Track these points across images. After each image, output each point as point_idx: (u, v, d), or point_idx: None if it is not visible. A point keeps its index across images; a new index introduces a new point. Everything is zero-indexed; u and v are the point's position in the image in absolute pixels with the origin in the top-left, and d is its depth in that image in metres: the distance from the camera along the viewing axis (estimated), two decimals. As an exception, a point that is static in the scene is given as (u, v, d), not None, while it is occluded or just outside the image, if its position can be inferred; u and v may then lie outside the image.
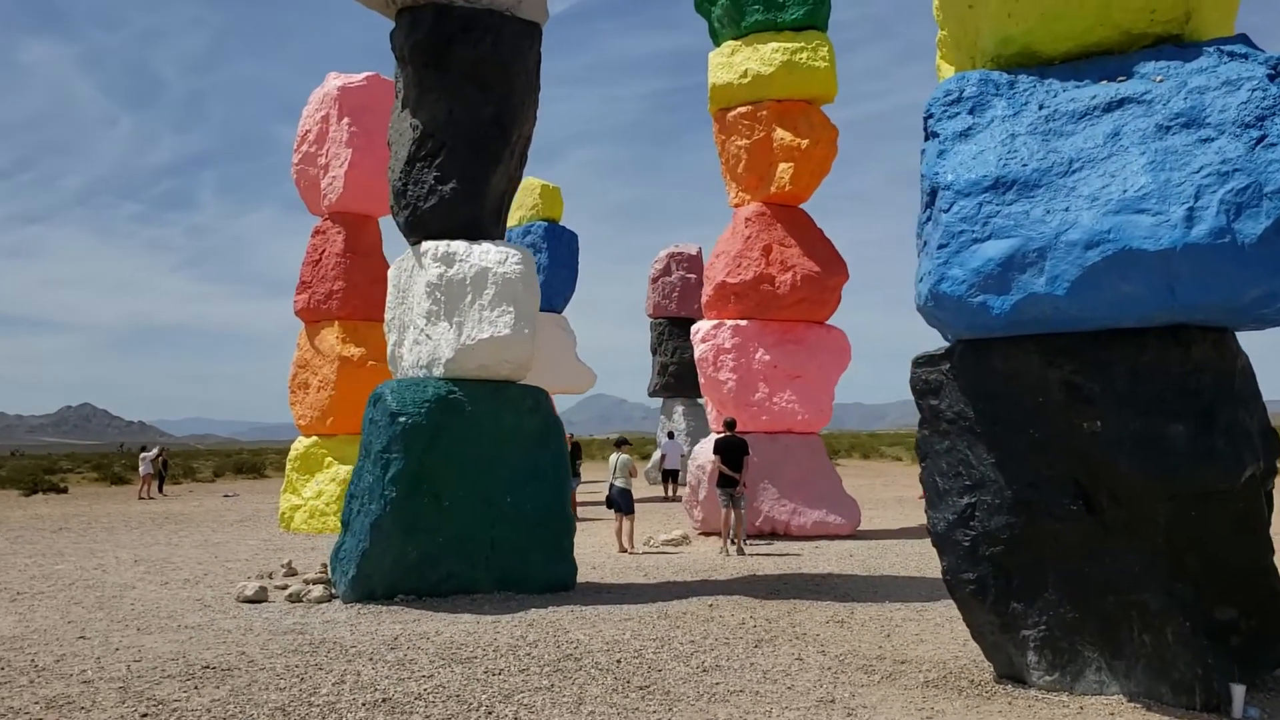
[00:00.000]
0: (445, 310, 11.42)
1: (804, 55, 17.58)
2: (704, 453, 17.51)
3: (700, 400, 35.55)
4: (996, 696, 7.07)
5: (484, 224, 11.90)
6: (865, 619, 10.07)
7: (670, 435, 33.25)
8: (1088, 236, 6.29)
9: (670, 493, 29.68)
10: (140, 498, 32.25)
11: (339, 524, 20.37)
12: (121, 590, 12.42)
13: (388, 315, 12.57)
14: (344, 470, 21.04)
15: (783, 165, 17.78)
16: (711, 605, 10.82)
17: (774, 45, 17.71)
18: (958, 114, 7.19)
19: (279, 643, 9.14)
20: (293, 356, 22.64)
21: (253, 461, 51.32)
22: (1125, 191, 6.29)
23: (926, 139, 7.38)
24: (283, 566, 13.70)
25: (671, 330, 35.03)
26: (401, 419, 10.89)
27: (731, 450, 15.41)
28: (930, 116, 7.34)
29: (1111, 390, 6.67)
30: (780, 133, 17.79)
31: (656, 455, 32.27)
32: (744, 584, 12.38)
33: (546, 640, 9.11)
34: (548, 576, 11.68)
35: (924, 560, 14.45)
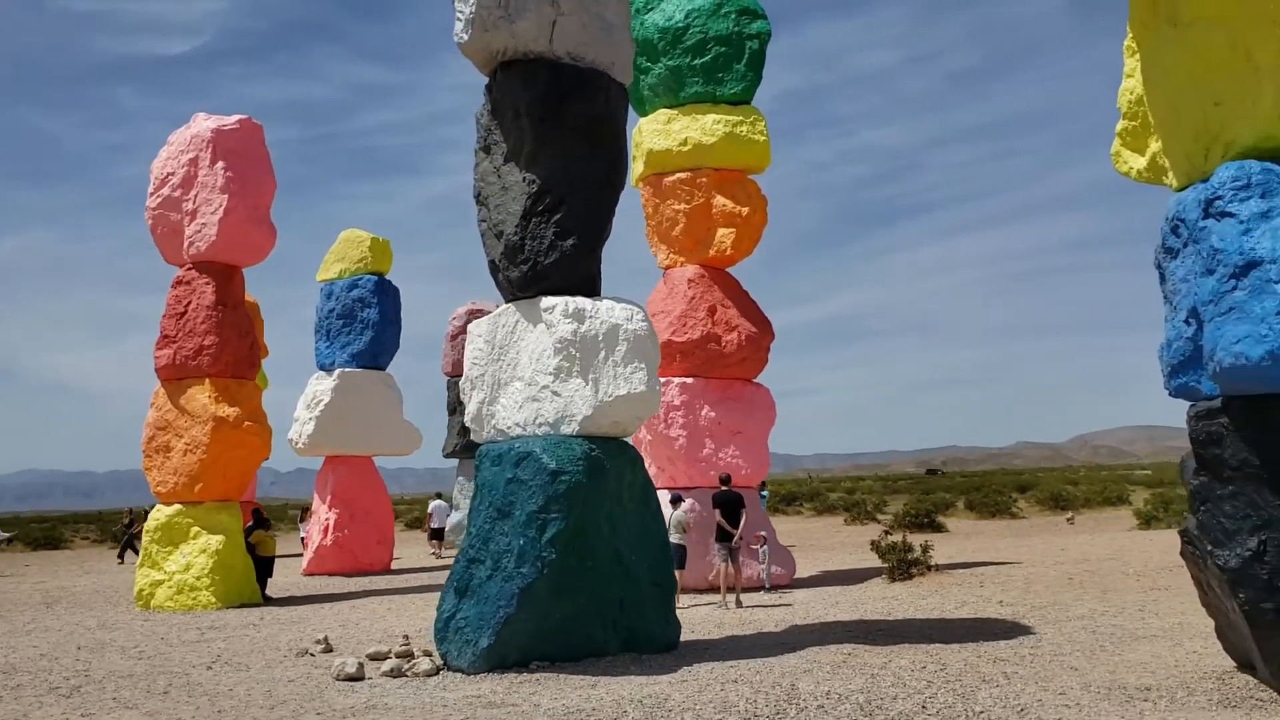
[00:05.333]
0: (581, 367, 11.18)
1: (744, 128, 18.48)
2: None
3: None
4: (1304, 710, 8.04)
5: (597, 280, 11.82)
6: (1009, 656, 10.77)
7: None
8: None
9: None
10: None
11: (211, 599, 18.87)
12: (208, 679, 11.07)
13: (474, 372, 12.05)
14: (215, 541, 19.40)
15: (723, 231, 18.51)
16: (850, 653, 11.17)
17: (714, 117, 18.48)
18: (1249, 198, 8.24)
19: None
20: (147, 417, 20.57)
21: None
22: None
23: (1210, 218, 8.39)
24: (317, 643, 12.62)
25: (472, 389, 34.55)
26: (564, 477, 10.55)
27: (729, 505, 15.78)
28: (1218, 198, 8.35)
29: (1399, 437, 7.88)
30: (721, 200, 18.54)
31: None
32: (813, 632, 12.77)
33: (768, 694, 9.15)
34: (664, 636, 11.60)
35: (900, 603, 15.40)
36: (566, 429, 11.19)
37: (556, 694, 9.59)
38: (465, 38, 11.59)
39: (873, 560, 20.65)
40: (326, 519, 26.85)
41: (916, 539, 20.58)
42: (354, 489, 27.46)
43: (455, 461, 36.28)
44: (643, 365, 11.21)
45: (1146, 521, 30.16)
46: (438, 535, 33.04)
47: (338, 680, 10.66)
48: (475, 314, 35.38)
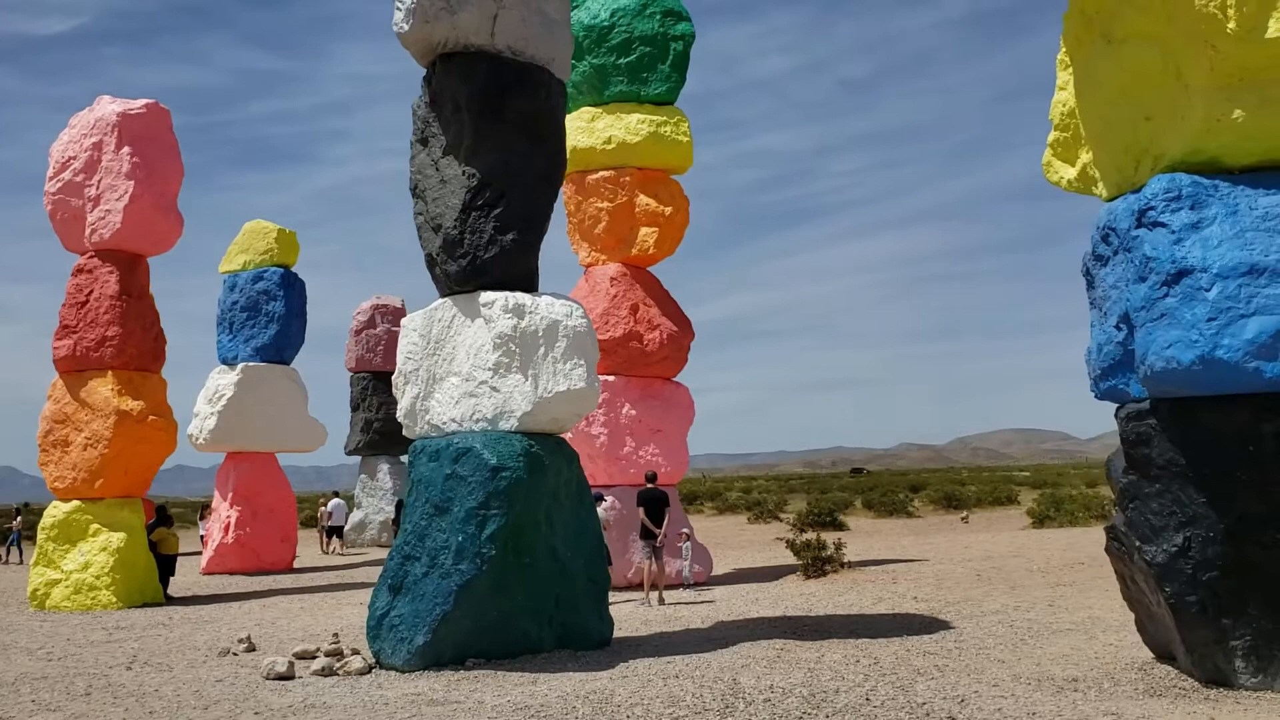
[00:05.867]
0: (520, 363, 11.12)
1: (668, 129, 18.61)
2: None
3: (404, 458, 34.94)
4: (1225, 700, 8.39)
5: (535, 276, 11.78)
6: (937, 650, 11.07)
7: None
8: (1344, 317, 7.92)
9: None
10: None
11: (112, 598, 18.24)
12: (130, 679, 10.71)
13: (408, 366, 11.90)
14: (116, 538, 18.78)
15: (646, 229, 18.61)
16: (782, 648, 11.34)
17: (639, 116, 18.56)
18: (1180, 209, 8.60)
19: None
20: (43, 410, 19.79)
21: None
22: (1362, 282, 8.00)
23: (1143, 228, 8.74)
24: (240, 642, 12.32)
25: (376, 385, 34.07)
26: (505, 474, 10.48)
27: (653, 503, 15.86)
28: (1151, 209, 8.70)
29: (1314, 440, 8.32)
30: (644, 199, 18.62)
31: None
32: (741, 629, 12.93)
33: (712, 689, 9.25)
34: (598, 632, 11.62)
35: (819, 599, 15.68)
36: (505, 425, 11.13)
37: (498, 691, 9.54)
38: (406, 28, 11.44)
39: (784, 558, 20.96)
40: (228, 516, 26.21)
41: (828, 537, 20.97)
42: (256, 486, 26.88)
43: (349, 460, 35.78)
44: (582, 362, 11.21)
45: (1040, 520, 31.16)
46: (337, 533, 32.73)
47: (268, 679, 10.44)
48: (380, 309, 34.90)
